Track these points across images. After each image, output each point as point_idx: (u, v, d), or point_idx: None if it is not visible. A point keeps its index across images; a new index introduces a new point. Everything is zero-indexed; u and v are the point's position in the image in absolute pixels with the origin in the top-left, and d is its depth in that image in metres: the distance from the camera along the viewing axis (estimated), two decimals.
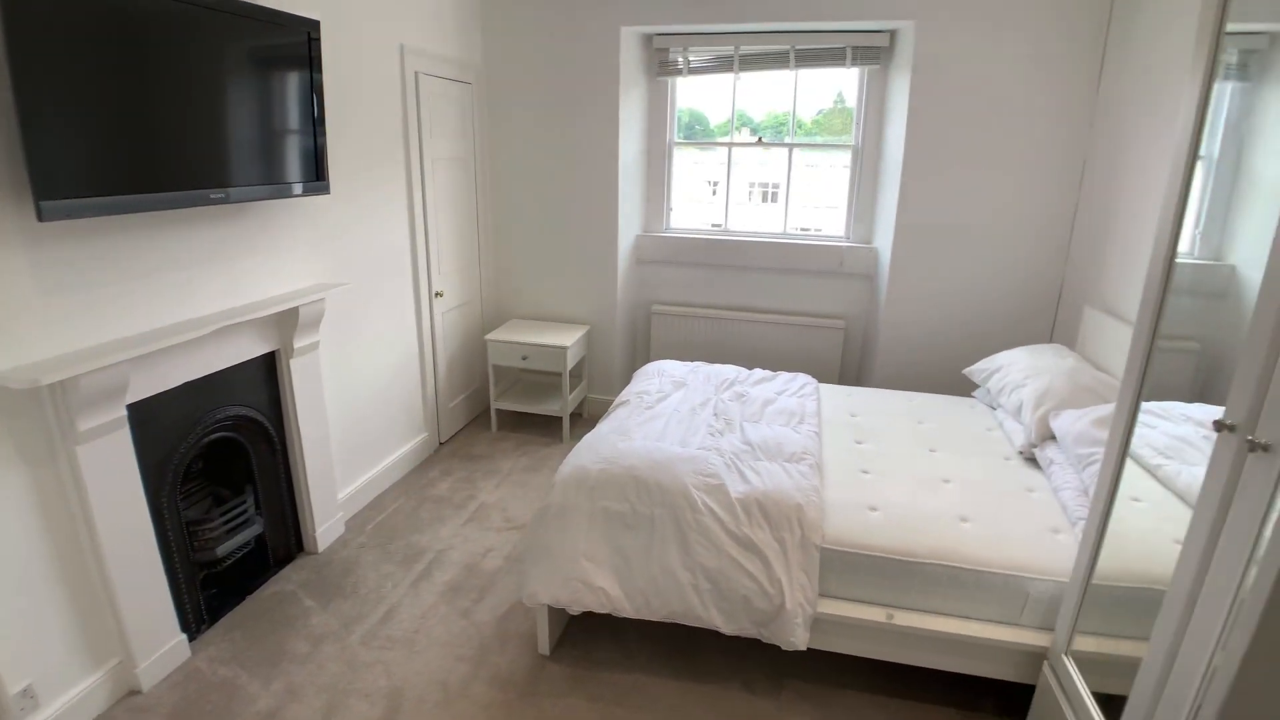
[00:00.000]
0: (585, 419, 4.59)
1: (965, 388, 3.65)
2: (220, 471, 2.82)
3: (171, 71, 2.08)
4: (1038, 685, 2.09)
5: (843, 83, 4.21)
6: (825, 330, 4.32)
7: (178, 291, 2.35)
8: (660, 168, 4.46)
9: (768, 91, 4.34)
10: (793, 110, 4.25)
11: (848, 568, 2.22)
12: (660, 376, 3.42)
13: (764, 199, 4.64)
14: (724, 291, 4.49)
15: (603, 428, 2.82)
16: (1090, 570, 1.88)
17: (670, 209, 4.58)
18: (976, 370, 3.39)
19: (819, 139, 4.38)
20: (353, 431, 3.37)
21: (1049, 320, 3.83)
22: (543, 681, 2.41)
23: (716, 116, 4.47)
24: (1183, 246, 1.65)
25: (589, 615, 2.68)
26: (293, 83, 2.54)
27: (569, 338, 4.17)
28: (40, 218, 1.77)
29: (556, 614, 2.55)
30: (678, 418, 2.92)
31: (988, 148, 3.63)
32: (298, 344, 2.82)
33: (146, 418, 2.28)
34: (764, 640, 2.24)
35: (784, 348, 4.39)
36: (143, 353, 2.10)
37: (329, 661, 2.48)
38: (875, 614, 2.20)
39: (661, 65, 4.19)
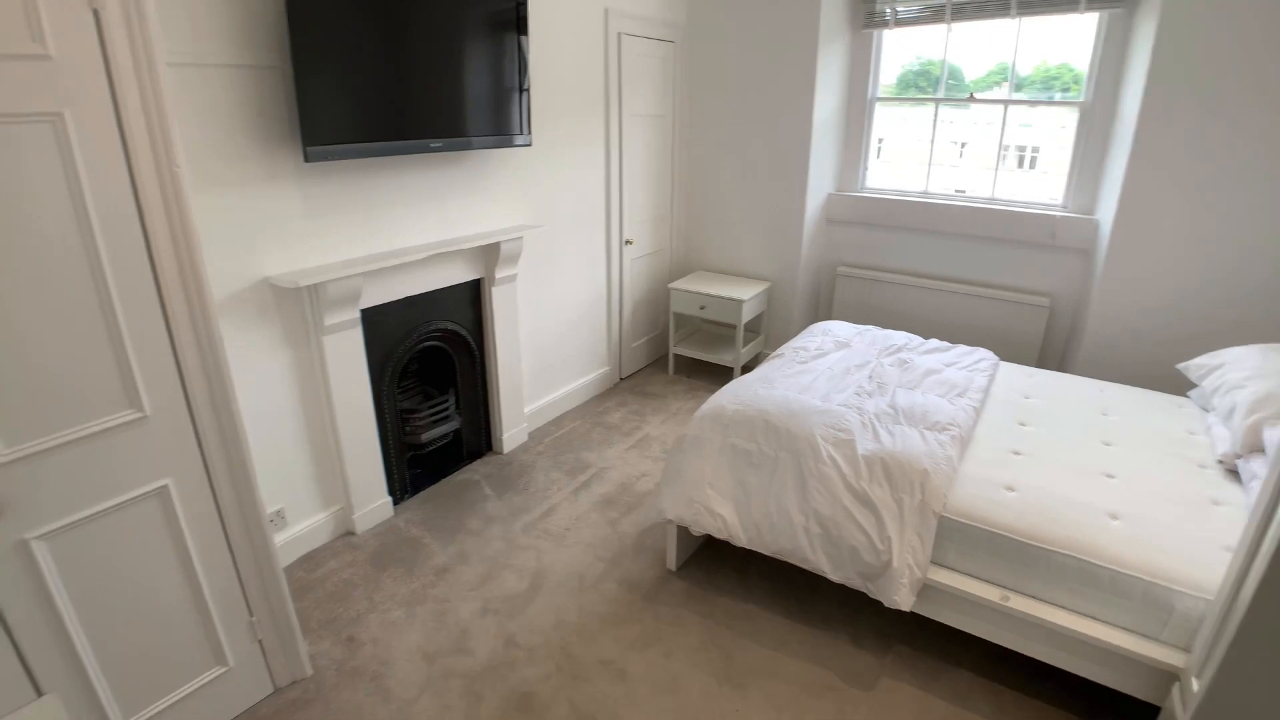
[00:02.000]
0: None
1: (1182, 387, 3.19)
2: (430, 373, 3.42)
3: (403, 40, 2.54)
4: (1163, 709, 1.91)
5: (1071, 32, 3.74)
6: (1027, 308, 3.97)
7: (404, 222, 2.88)
8: (859, 124, 4.33)
9: (982, 43, 3.99)
10: (1012, 64, 3.88)
11: (967, 541, 2.17)
12: (825, 335, 3.44)
13: (960, 155, 4.31)
14: (916, 257, 4.29)
15: (750, 376, 2.95)
16: (1236, 591, 1.67)
17: (866, 168, 4.44)
18: (1194, 366, 2.95)
19: (1040, 95, 3.95)
20: (541, 356, 3.83)
21: None
22: (663, 591, 2.67)
23: (931, 71, 4.21)
24: None
25: (717, 545, 2.89)
26: (502, 46, 2.92)
27: (747, 291, 4.28)
28: (305, 159, 2.31)
29: (687, 538, 2.79)
30: (829, 375, 2.96)
31: (1249, 107, 3.06)
32: (498, 275, 3.29)
33: (374, 321, 2.86)
34: (869, 595, 2.28)
35: (976, 322, 4.11)
36: (372, 269, 2.64)
37: (494, 539, 2.95)
38: (990, 593, 2.14)
39: (867, 17, 4.04)
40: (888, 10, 3.98)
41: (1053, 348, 4.07)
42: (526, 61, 3.02)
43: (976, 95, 4.03)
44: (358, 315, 2.73)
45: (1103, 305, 3.61)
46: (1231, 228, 3.25)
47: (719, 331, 4.86)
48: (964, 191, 4.25)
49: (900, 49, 4.20)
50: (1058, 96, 3.89)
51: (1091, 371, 3.69)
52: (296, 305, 2.58)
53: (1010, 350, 4.04)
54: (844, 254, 4.54)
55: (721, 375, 4.63)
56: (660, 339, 4.88)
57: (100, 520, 1.70)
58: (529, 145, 3.19)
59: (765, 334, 4.69)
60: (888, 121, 4.39)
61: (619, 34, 3.77)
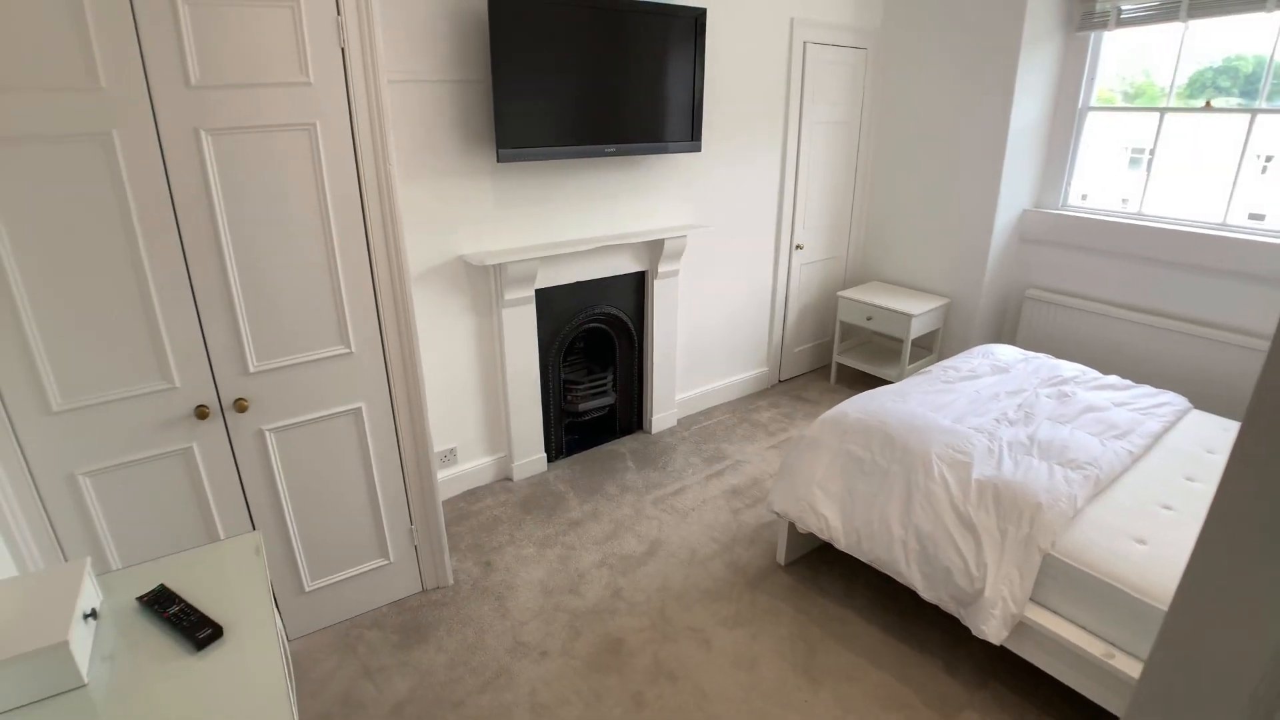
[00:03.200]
0: None
1: None
2: (593, 351, 3.82)
3: (588, 57, 2.90)
4: None
5: None
6: (1247, 353, 3.43)
7: (578, 216, 3.28)
8: (1065, 135, 3.99)
9: (1221, 43, 3.49)
10: (1268, 64, 3.35)
11: (1076, 586, 2.05)
12: (985, 358, 3.29)
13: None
14: (1119, 285, 3.88)
15: (887, 388, 2.95)
16: None
17: (1070, 184, 4.08)
18: None
19: None
20: (697, 348, 4.08)
21: None
22: (767, 581, 2.80)
23: (1159, 75, 3.76)
24: None
25: (829, 550, 2.95)
26: (679, 58, 3.18)
27: (919, 306, 4.17)
28: (498, 160, 2.76)
29: (800, 537, 2.88)
30: (972, 398, 2.86)
31: None
32: (661, 269, 3.58)
33: (547, 300, 3.29)
34: (961, 620, 2.24)
35: (1181, 364, 3.63)
36: (548, 255, 3.06)
37: (625, 505, 3.27)
38: (1094, 646, 2.01)
39: (1084, 17, 3.71)
40: (1109, 9, 3.63)
41: None
42: (703, 71, 3.26)
43: (1214, 104, 3.54)
44: (532, 294, 3.17)
45: None
46: None
47: (888, 345, 4.76)
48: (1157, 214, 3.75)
49: (1122, 50, 3.80)
50: None
51: None
52: (484, 280, 3.08)
53: (1230, 404, 3.52)
54: (1036, 275, 4.22)
55: None
56: (825, 347, 4.89)
57: (312, 425, 2.26)
58: (698, 151, 3.43)
59: (938, 352, 4.51)
60: (1101, 133, 3.99)
61: (804, 43, 3.87)
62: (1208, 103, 3.56)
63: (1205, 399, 3.57)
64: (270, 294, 2.06)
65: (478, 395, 3.25)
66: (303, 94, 1.95)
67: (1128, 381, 3.13)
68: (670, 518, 3.19)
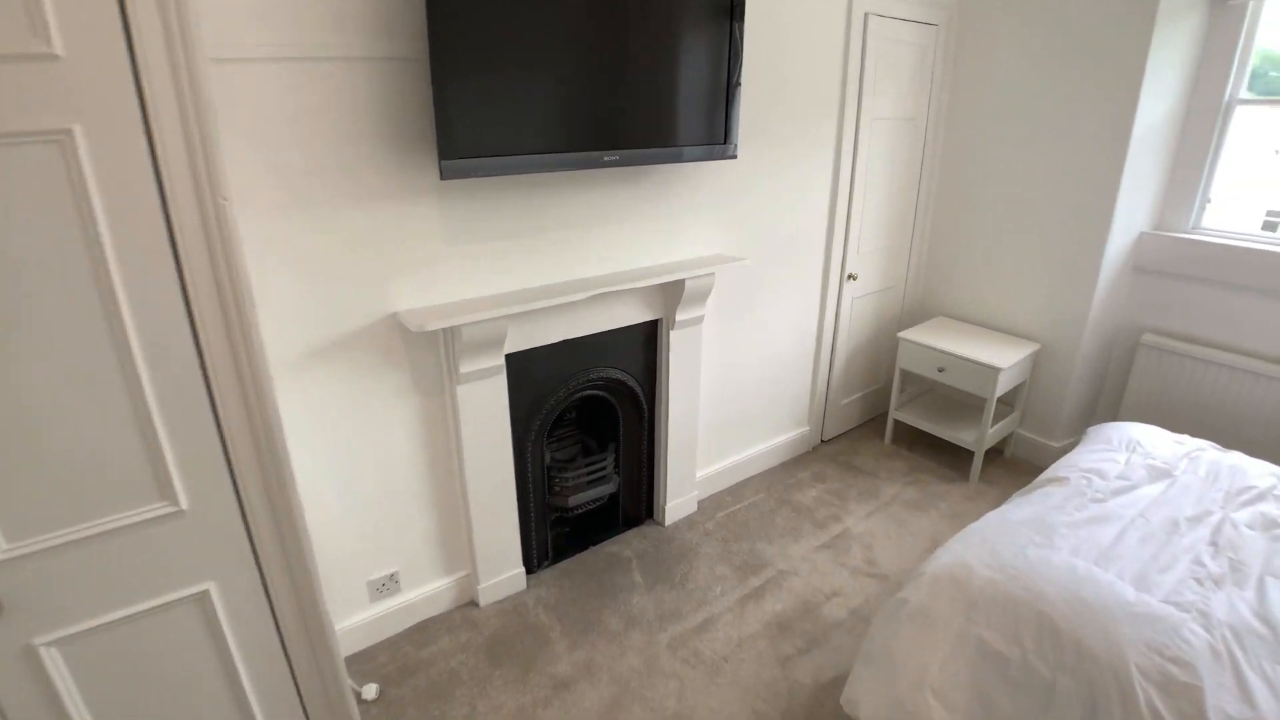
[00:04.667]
0: (1007, 461, 3.63)
1: None
2: (590, 424, 2.90)
3: (574, 28, 1.97)
4: None
5: None
6: None
7: (566, 251, 2.35)
8: (1203, 137, 3.06)
9: None
10: None
11: None
12: (1132, 452, 2.37)
13: None
14: (1268, 332, 2.96)
15: (1017, 511, 2.03)
16: None
17: (1208, 200, 3.16)
18: None
19: None
20: (725, 412, 3.16)
21: None
22: None
23: None
24: None
25: None
26: (707, 36, 2.26)
27: (1008, 356, 3.25)
28: (442, 176, 1.84)
29: None
30: (1143, 531, 1.95)
31: None
32: (680, 316, 2.67)
33: (523, 367, 2.38)
34: None
35: None
36: (520, 311, 2.13)
37: (632, 651, 2.36)
38: None
39: None
40: None
41: None
42: (739, 55, 2.34)
43: None
44: (501, 362, 2.25)
45: None
46: None
47: (958, 397, 3.84)
48: None
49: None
50: None
51: None
52: (430, 348, 2.16)
53: None
54: (1153, 317, 3.30)
55: (954, 456, 3.62)
56: (878, 396, 3.97)
57: (122, 628, 1.35)
58: (733, 158, 2.50)
59: (1022, 410, 3.59)
60: (1246, 136, 3.07)
61: (865, 14, 2.94)
62: None
63: None
64: (14, 426, 1.15)
65: (427, 500, 2.34)
66: (44, 75, 1.04)
67: None
68: (695, 674, 2.28)
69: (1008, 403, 3.59)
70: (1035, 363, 3.47)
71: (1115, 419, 3.43)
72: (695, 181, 2.62)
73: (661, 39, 2.15)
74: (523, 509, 2.56)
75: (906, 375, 3.68)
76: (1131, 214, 3.16)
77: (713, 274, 2.61)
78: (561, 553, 2.81)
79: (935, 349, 3.38)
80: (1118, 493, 2.12)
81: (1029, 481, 3.48)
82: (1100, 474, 2.20)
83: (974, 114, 3.46)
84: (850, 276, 3.42)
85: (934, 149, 3.59)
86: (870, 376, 3.87)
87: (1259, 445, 2.98)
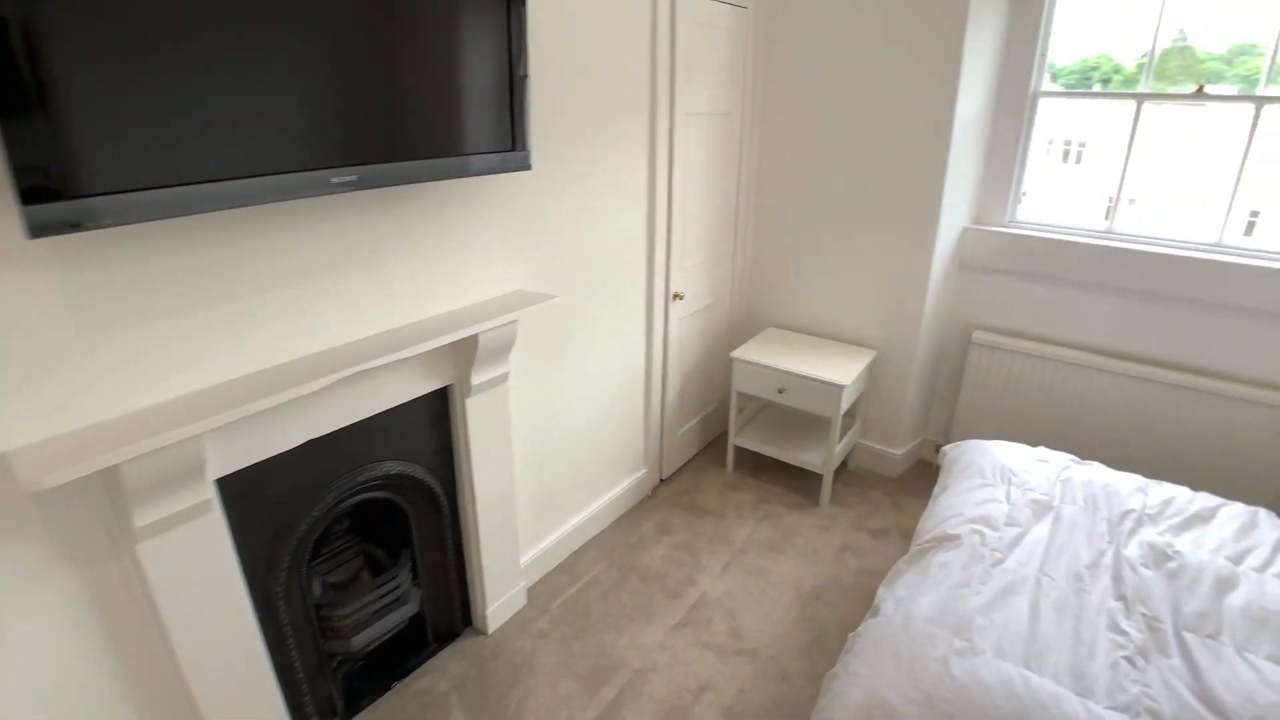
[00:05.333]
0: (852, 475, 3.41)
1: None
2: (373, 532, 2.18)
3: None
4: None
5: None
6: (1269, 409, 2.63)
7: (297, 316, 1.62)
8: (1012, 131, 2.98)
9: (1211, 16, 2.64)
10: (1277, 44, 2.51)
11: None
12: (1009, 483, 2.14)
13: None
14: (1094, 324, 2.96)
15: (919, 600, 1.65)
16: None
17: (1022, 194, 3.10)
18: None
19: None
20: (548, 477, 2.58)
21: None
22: None
23: (1125, 57, 2.85)
24: None
25: None
26: (477, 16, 1.63)
27: (848, 369, 2.99)
28: (30, 233, 1.06)
29: None
30: (1055, 598, 1.67)
31: None
32: (477, 379, 2.03)
33: (252, 488, 1.62)
34: None
35: (1189, 429, 2.77)
36: (221, 423, 1.38)
37: None
38: None
39: None
40: None
41: None
42: (524, 40, 1.74)
43: (1208, 89, 2.66)
44: (208, 495, 1.49)
45: None
46: None
47: (798, 415, 3.56)
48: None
49: (1078, 21, 2.83)
50: None
51: None
52: (82, 496, 1.35)
53: (1248, 478, 2.71)
54: (982, 314, 3.21)
55: (802, 480, 3.33)
56: (715, 418, 3.60)
57: None
58: (527, 169, 1.90)
59: (863, 421, 3.39)
60: (1052, 129, 3.03)
61: None
62: (1200, 88, 2.67)
63: (1239, 481, 2.71)
64: None
65: (128, 706, 1.52)
66: None
67: (1199, 496, 2.12)
68: None
69: (849, 414, 3.37)
70: (873, 371, 3.26)
71: (952, 421, 3.32)
72: (480, 202, 1.99)
73: (415, 19, 1.49)
74: (283, 669, 1.80)
75: (744, 396, 3.33)
76: (955, 209, 3.01)
77: (515, 321, 2.01)
78: (356, 702, 2.08)
79: (773, 368, 3.04)
80: (1013, 544, 1.85)
81: (877, 498, 3.32)
82: (989, 522, 1.92)
83: (790, 106, 3.14)
84: (676, 296, 2.97)
85: (751, 146, 3.24)
86: (705, 397, 3.49)
87: (1092, 437, 2.96)
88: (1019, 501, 2.02)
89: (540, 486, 2.55)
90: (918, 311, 3.08)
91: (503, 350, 2.05)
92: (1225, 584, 1.74)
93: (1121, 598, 1.69)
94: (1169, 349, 2.83)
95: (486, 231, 2.03)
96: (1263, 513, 2.07)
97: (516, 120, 1.78)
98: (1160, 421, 2.83)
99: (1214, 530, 1.96)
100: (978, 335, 3.14)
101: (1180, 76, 2.75)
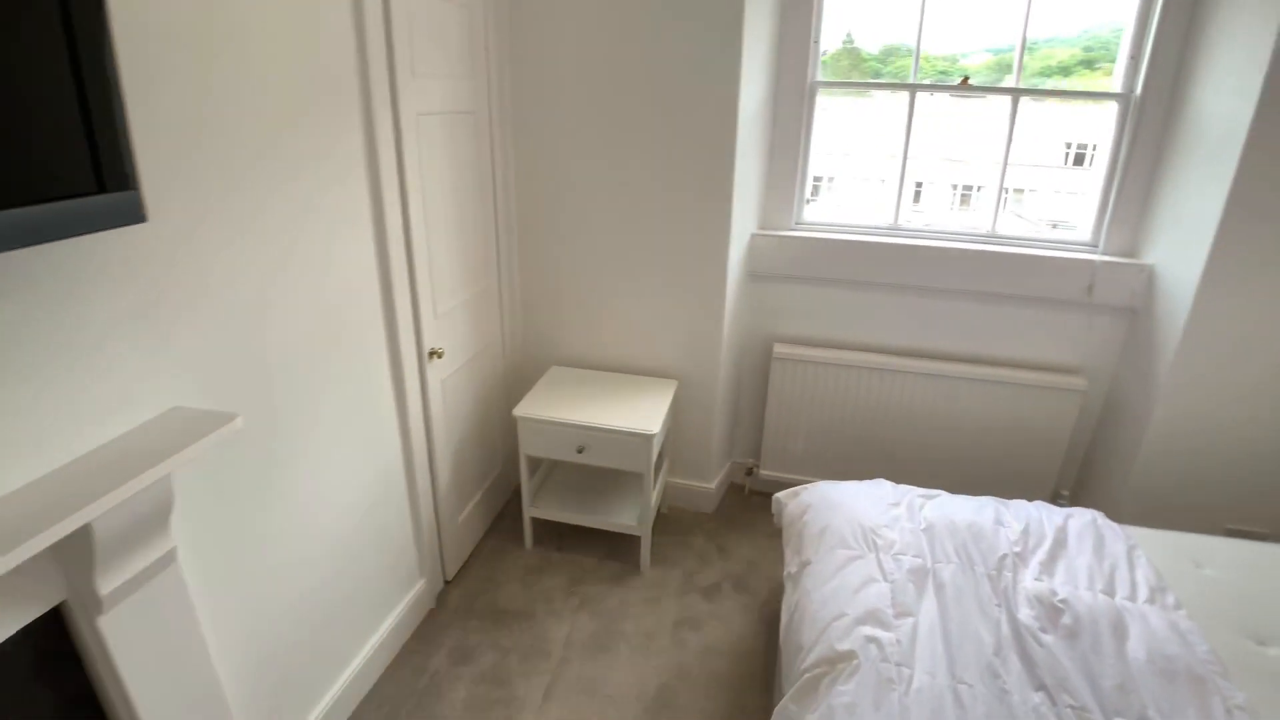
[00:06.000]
0: (666, 520, 2.99)
1: None
2: None
3: None
4: None
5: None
6: (1052, 392, 2.69)
7: None
8: (793, 125, 2.73)
9: (978, 12, 2.62)
10: (1022, 38, 2.50)
11: None
12: (870, 547, 1.83)
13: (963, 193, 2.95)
14: (889, 324, 2.84)
15: None
16: None
17: (805, 194, 2.87)
18: None
19: (1059, 83, 2.67)
20: (280, 660, 1.75)
21: None
22: None
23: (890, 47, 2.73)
24: None
25: None
26: None
27: (653, 410, 2.53)
28: None
29: None
30: (975, 707, 1.34)
31: None
32: (110, 583, 1.18)
33: None
34: None
35: (985, 419, 2.77)
36: None
37: None
38: None
39: None
40: None
41: (1083, 451, 2.86)
42: (102, 17, 0.93)
43: (973, 81, 2.61)
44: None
45: (1174, 394, 2.44)
46: None
47: (598, 469, 3.03)
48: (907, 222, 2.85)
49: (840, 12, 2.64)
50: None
51: (1158, 499, 2.52)
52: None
53: (1033, 459, 2.77)
54: (780, 325, 2.96)
55: (615, 545, 2.81)
56: (501, 483, 2.96)
57: None
58: (140, 219, 1.08)
59: (670, 457, 2.98)
60: (829, 124, 2.83)
61: None
62: (965, 79, 2.60)
63: (1024, 462, 2.74)
64: None
65: None
66: None
67: (1037, 517, 1.99)
68: None
69: (659, 454, 2.93)
70: (677, 404, 2.85)
71: (761, 440, 3.05)
72: (87, 282, 1.13)
73: None
74: None
75: (535, 460, 2.73)
76: (744, 215, 2.68)
77: (167, 477, 1.19)
78: None
79: (566, 424, 2.48)
80: (911, 643, 1.51)
81: (700, 545, 2.80)
82: (878, 619, 1.56)
83: (547, 100, 2.56)
84: (433, 353, 2.26)
85: (503, 152, 2.61)
86: (487, 464, 2.83)
87: (901, 439, 2.86)
88: (896, 574, 1.70)
89: (274, 667, 1.72)
90: (717, 331, 2.72)
91: (152, 524, 1.22)
92: (1118, 629, 1.57)
93: (1041, 687, 1.42)
94: (959, 342, 2.80)
95: (108, 325, 1.18)
96: (1099, 519, 2.00)
97: (104, 146, 0.97)
98: (960, 415, 2.79)
99: (1077, 557, 1.82)
100: (778, 349, 2.88)
101: (852, 74, 2.74)
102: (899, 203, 2.76)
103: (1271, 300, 2.27)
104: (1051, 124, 3.01)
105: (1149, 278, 2.56)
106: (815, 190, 2.90)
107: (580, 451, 2.50)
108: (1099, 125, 2.58)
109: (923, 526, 1.88)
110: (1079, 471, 2.92)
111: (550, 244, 2.76)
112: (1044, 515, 1.98)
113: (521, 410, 2.53)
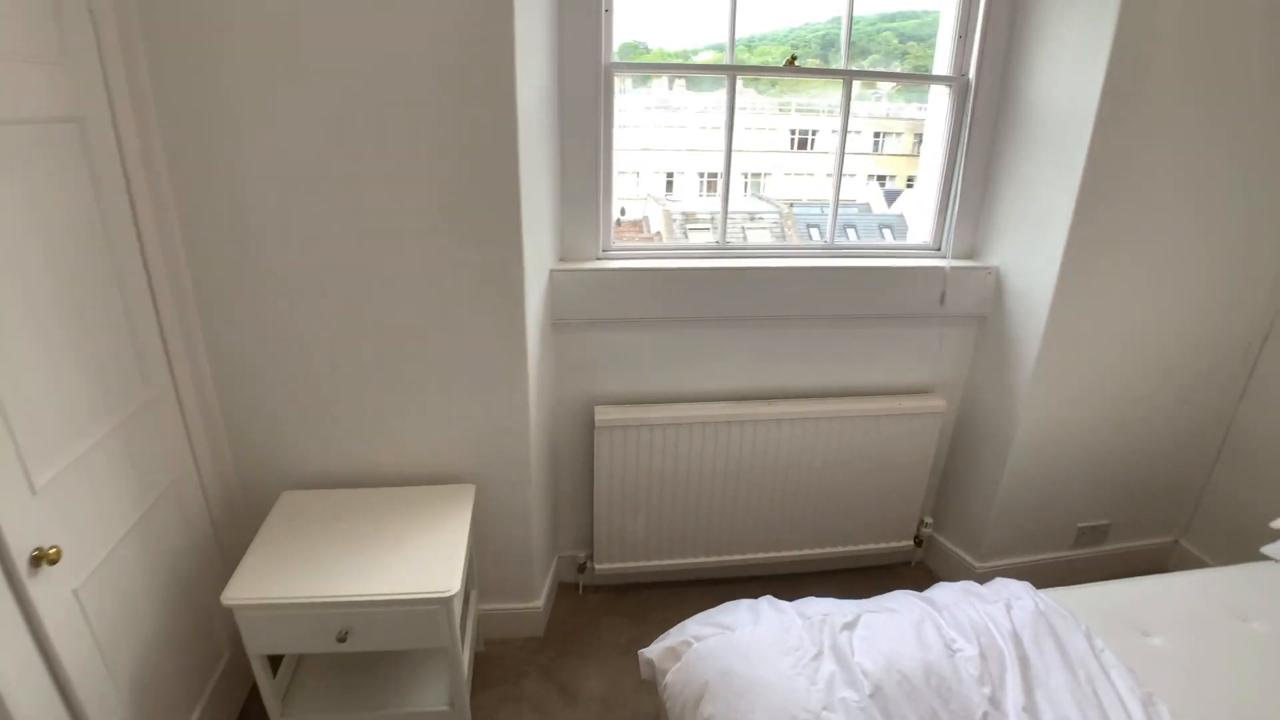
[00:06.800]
0: (485, 659, 2.21)
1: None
2: None
3: None
4: None
5: None
6: (911, 419, 2.36)
7: None
8: (589, 122, 2.04)
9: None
10: (848, 11, 2.06)
11: None
12: (801, 709, 1.22)
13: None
14: (723, 366, 2.31)
15: None
16: None
17: (614, 215, 2.21)
18: None
19: (879, 66, 2.30)
20: None
21: None
22: None
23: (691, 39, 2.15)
24: None
25: None
26: None
27: (448, 548, 1.73)
28: None
29: None
30: None
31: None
32: None
33: None
34: None
35: (843, 457, 2.37)
36: None
37: None
38: None
39: None
40: None
41: (956, 470, 2.59)
42: None
43: (800, 63, 2.11)
44: None
45: (1038, 409, 2.23)
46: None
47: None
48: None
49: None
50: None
51: (1022, 527, 2.30)
52: None
53: (898, 486, 2.44)
54: (595, 384, 2.28)
55: None
56: (234, 673, 1.95)
57: None
58: None
59: (479, 584, 2.19)
60: (629, 119, 2.19)
61: None
62: (792, 59, 2.08)
63: (892, 495, 2.37)
64: None
65: None
66: None
67: (984, 619, 1.57)
68: None
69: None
70: (479, 513, 2.05)
71: (591, 531, 2.38)
72: None
73: None
74: None
75: (274, 658, 1.78)
76: (539, 246, 1.96)
77: None
78: None
79: (314, 602, 1.59)
80: None
81: (534, 690, 1.97)
82: None
83: (220, 99, 1.59)
84: (41, 557, 1.25)
85: (154, 189, 1.60)
86: (205, 659, 1.82)
87: (755, 501, 2.35)
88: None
89: None
90: (521, 405, 1.97)
91: None
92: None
93: None
94: (806, 375, 2.36)
95: None
96: (1039, 601, 1.63)
97: None
98: (816, 459, 2.36)
99: (1049, 677, 1.42)
100: (601, 415, 2.21)
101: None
102: (724, 215, 2.21)
103: (1122, 279, 2.11)
104: (772, 113, 2.81)
105: (995, 280, 2.30)
106: (623, 211, 2.25)
107: (343, 640, 1.62)
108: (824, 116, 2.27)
109: (869, 692, 1.34)
110: (936, 501, 2.66)
111: (254, 321, 1.80)
112: (986, 619, 1.55)
113: (235, 593, 1.59)
